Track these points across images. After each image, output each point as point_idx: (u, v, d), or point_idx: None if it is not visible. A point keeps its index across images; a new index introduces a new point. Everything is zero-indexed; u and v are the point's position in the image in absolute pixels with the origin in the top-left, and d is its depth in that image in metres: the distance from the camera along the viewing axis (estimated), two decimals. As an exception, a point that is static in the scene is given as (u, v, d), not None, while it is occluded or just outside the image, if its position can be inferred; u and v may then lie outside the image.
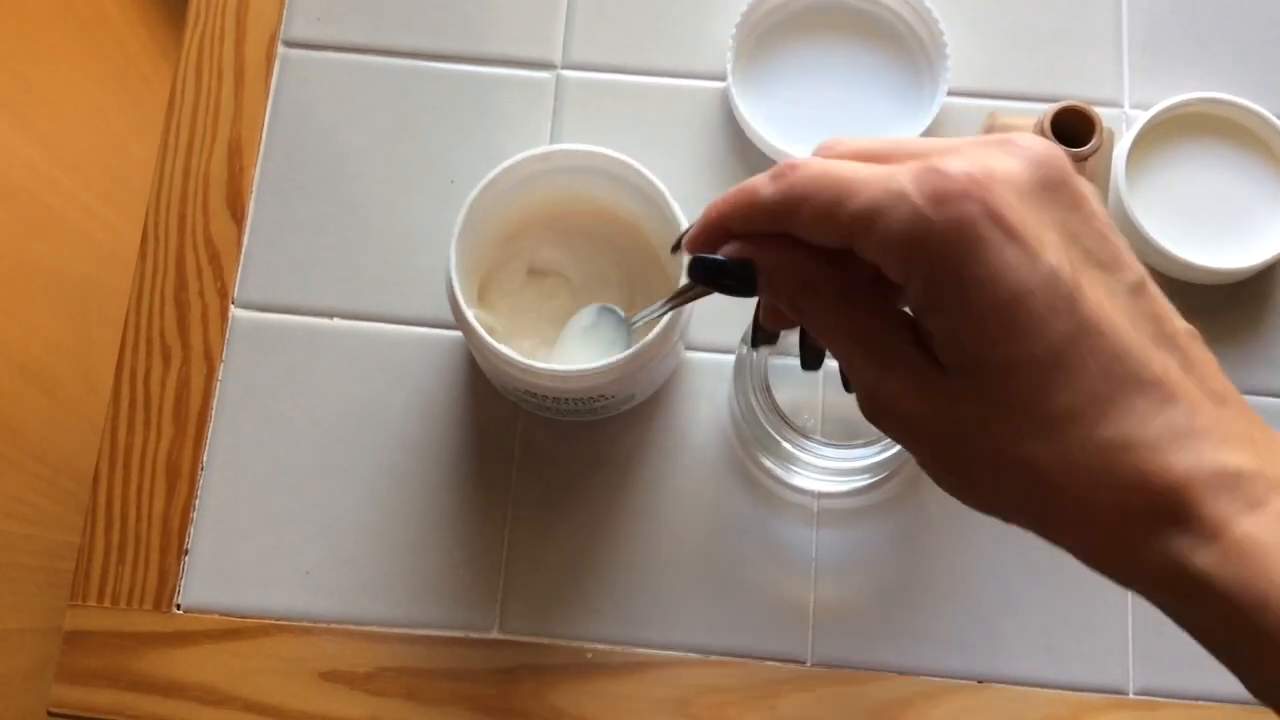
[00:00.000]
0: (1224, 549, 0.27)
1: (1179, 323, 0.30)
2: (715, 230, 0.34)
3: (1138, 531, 0.28)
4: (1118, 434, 0.28)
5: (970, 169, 0.28)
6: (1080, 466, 0.28)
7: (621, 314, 0.53)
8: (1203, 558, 0.27)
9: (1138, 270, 0.30)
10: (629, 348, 0.50)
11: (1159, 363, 0.28)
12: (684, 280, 0.38)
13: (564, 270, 0.57)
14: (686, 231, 0.35)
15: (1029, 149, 0.30)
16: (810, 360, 0.39)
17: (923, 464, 0.32)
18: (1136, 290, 0.29)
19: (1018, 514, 0.30)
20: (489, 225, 0.54)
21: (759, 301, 0.37)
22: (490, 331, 0.51)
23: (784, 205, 0.31)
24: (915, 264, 0.29)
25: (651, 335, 0.50)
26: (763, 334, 0.41)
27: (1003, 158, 0.29)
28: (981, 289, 0.28)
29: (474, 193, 0.51)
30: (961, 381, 0.30)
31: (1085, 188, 0.30)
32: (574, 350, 0.54)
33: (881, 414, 0.32)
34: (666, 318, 0.49)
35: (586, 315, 0.54)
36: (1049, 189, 0.29)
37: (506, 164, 0.51)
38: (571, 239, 0.57)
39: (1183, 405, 0.28)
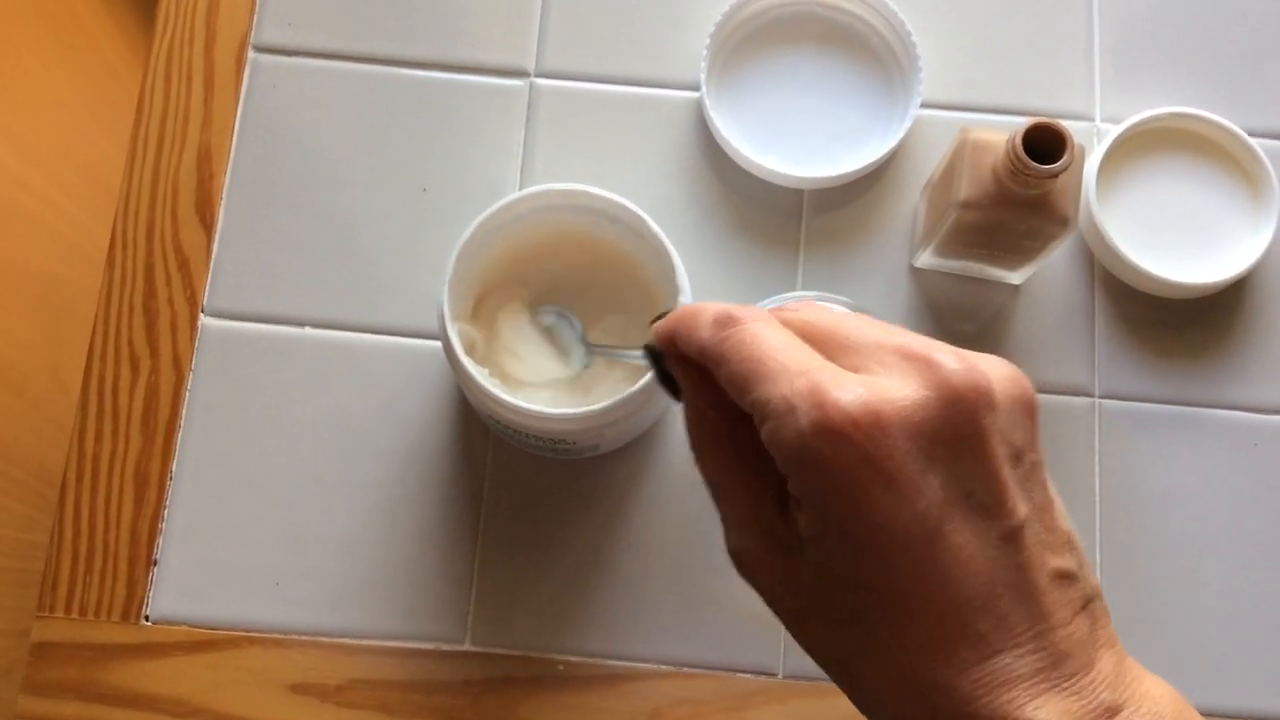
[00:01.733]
0: None
1: (1053, 564, 0.30)
2: (666, 342, 0.35)
3: None
4: (939, 677, 0.29)
5: (858, 408, 0.29)
6: (903, 695, 0.30)
7: (579, 326, 0.54)
8: None
9: (1019, 516, 0.30)
10: (577, 360, 0.50)
11: (997, 615, 0.29)
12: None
13: (560, 307, 0.57)
14: (666, 312, 0.37)
15: (945, 382, 0.29)
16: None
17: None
18: (1009, 537, 0.29)
19: (849, 697, 0.32)
20: (494, 247, 0.53)
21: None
22: (471, 348, 0.51)
23: (711, 355, 0.32)
24: (790, 469, 0.30)
25: (632, 390, 0.49)
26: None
27: (910, 389, 0.29)
28: (841, 519, 0.29)
29: (488, 211, 0.51)
30: (810, 573, 0.31)
31: (992, 424, 0.30)
32: (524, 350, 0.54)
33: (739, 566, 0.34)
34: (647, 378, 0.49)
35: (545, 315, 0.55)
36: (949, 426, 0.29)
37: (523, 193, 0.51)
38: (575, 277, 0.57)
39: (1007, 657, 0.28)
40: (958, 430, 0.29)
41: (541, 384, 0.54)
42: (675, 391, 0.37)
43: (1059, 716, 0.28)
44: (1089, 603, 0.30)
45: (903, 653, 0.29)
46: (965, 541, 0.29)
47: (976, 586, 0.29)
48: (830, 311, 0.34)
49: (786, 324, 0.33)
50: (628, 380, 0.50)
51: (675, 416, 0.59)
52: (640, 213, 0.51)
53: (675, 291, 0.50)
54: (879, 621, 0.30)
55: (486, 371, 0.51)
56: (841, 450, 0.29)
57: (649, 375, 0.49)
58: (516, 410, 0.49)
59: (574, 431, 0.51)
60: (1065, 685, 0.28)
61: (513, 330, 0.55)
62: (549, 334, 0.55)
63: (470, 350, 0.52)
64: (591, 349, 0.54)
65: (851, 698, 0.32)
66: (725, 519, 0.34)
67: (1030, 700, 0.28)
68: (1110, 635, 0.30)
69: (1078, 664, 0.29)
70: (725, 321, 0.33)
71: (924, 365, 0.30)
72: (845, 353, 0.32)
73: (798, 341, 0.32)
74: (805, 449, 0.29)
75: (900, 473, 0.29)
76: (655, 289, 0.54)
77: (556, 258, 0.56)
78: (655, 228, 0.51)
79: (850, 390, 0.29)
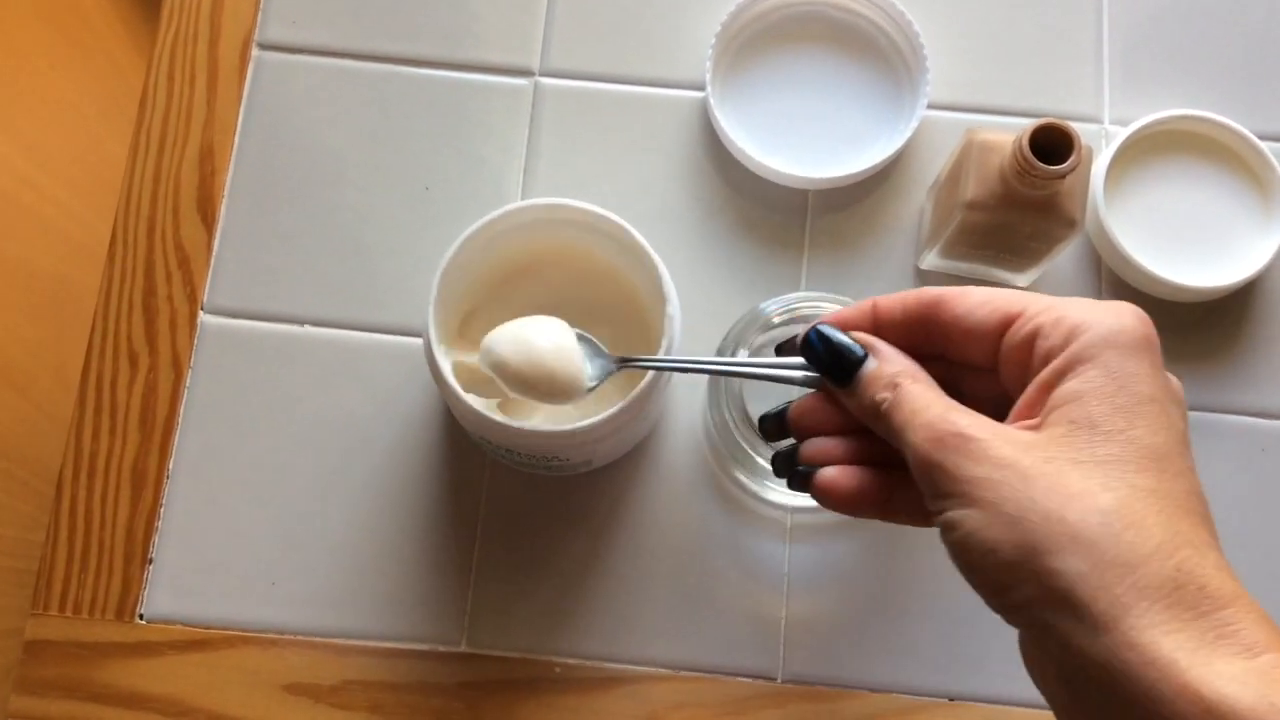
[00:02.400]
0: None
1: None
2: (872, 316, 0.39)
3: None
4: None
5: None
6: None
7: (603, 350, 0.50)
8: None
9: None
10: (594, 378, 0.48)
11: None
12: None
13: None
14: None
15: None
16: (795, 480, 0.41)
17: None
18: None
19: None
20: (479, 266, 0.53)
21: (788, 403, 0.42)
22: (459, 370, 0.50)
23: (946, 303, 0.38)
24: (1082, 333, 0.34)
25: (618, 407, 0.48)
26: (776, 427, 0.43)
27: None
28: (1130, 384, 0.33)
29: (468, 231, 0.50)
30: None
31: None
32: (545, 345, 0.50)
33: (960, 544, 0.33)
34: (639, 389, 0.48)
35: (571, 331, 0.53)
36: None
37: (507, 209, 0.51)
38: (563, 291, 0.56)
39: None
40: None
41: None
42: (848, 375, 0.38)
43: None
44: None
45: (1156, 503, 0.31)
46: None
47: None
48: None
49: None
50: (618, 394, 0.50)
51: (669, 429, 0.58)
52: (623, 223, 0.50)
53: (662, 301, 0.50)
54: (1138, 467, 0.32)
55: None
56: (1141, 323, 0.34)
57: (639, 388, 0.48)
58: (504, 430, 0.48)
59: (565, 448, 0.50)
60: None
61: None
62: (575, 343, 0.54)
63: (459, 374, 0.50)
64: (622, 363, 0.49)
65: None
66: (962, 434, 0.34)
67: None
68: None
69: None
70: (897, 378, 0.37)
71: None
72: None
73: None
74: (1109, 315, 0.34)
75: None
76: (642, 300, 0.54)
77: (542, 273, 0.55)
78: (638, 237, 0.50)
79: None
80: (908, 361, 0.38)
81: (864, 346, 0.38)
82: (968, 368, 0.38)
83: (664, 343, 0.49)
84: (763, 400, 0.53)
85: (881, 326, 0.39)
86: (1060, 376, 0.33)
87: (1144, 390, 0.32)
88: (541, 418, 0.54)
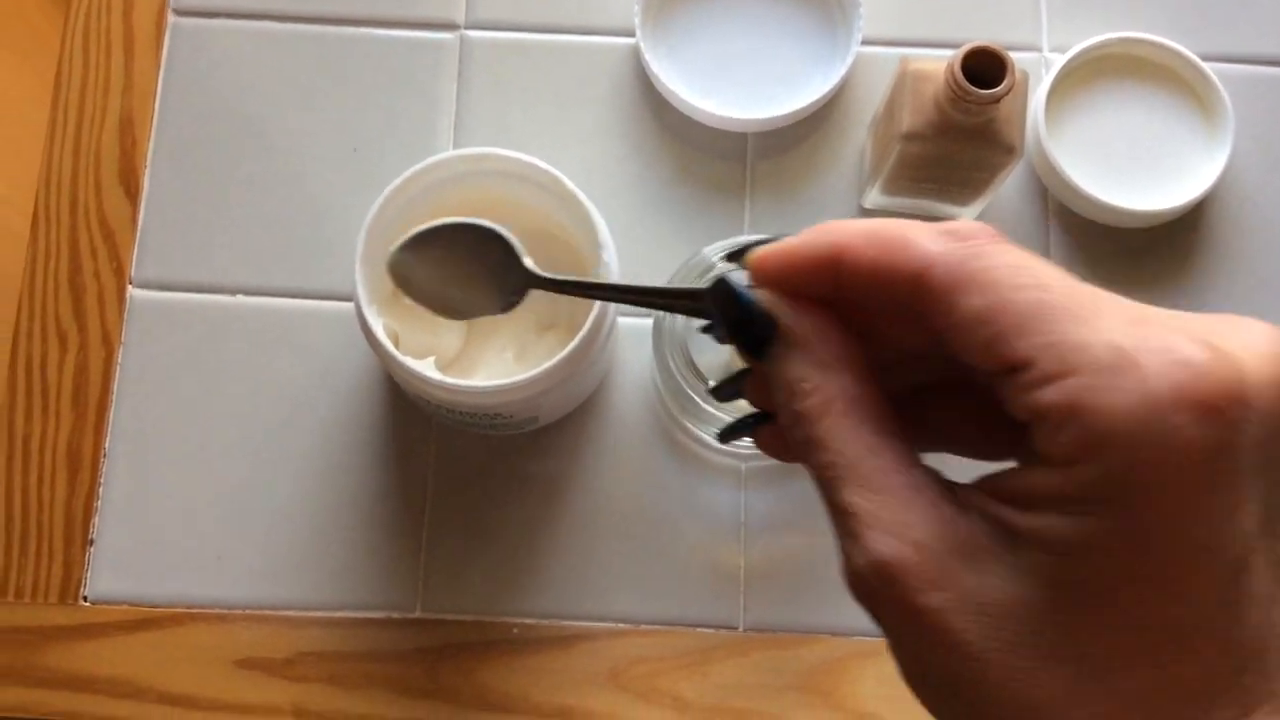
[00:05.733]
0: None
1: None
2: (795, 267, 0.25)
3: None
4: None
5: (1237, 379, 0.21)
6: None
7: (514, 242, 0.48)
8: None
9: None
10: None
11: (1265, 668, 0.22)
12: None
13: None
14: (762, 241, 0.26)
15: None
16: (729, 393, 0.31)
17: (906, 672, 0.24)
18: None
19: None
20: (406, 222, 0.51)
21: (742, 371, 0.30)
22: (393, 336, 0.49)
23: (945, 279, 0.23)
24: (1103, 458, 0.21)
25: (559, 358, 0.47)
26: (730, 392, 0.31)
27: (1257, 368, 0.21)
28: (1156, 522, 0.21)
29: (393, 184, 0.48)
30: (1023, 591, 0.22)
31: None
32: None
33: (877, 585, 0.23)
34: (577, 341, 0.47)
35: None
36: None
37: (432, 160, 0.49)
38: None
39: (1259, 716, 0.22)
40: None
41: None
42: (756, 343, 0.26)
43: None
44: None
45: (1158, 705, 0.22)
46: (1261, 577, 0.22)
47: (1254, 629, 0.22)
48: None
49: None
50: (559, 346, 0.48)
51: (618, 382, 0.57)
52: (554, 171, 0.49)
53: (598, 248, 0.48)
54: (1139, 662, 0.22)
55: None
56: (1204, 431, 0.21)
57: (579, 337, 0.47)
58: (444, 386, 0.47)
59: (508, 404, 0.49)
60: None
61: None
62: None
63: (394, 340, 0.49)
64: (547, 282, 0.43)
65: None
66: (858, 516, 0.23)
67: None
68: None
69: None
70: (968, 232, 0.24)
71: (1239, 328, 0.22)
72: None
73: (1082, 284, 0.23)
74: (1152, 419, 0.21)
75: (1242, 477, 0.21)
76: (580, 251, 0.53)
77: None
78: (571, 186, 0.49)
79: (1216, 352, 0.21)
80: (840, 378, 0.25)
81: (783, 329, 0.26)
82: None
83: (595, 306, 0.48)
84: (707, 350, 0.52)
85: (843, 284, 0.26)
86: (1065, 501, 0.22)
87: (1166, 543, 0.22)
88: (482, 375, 0.52)
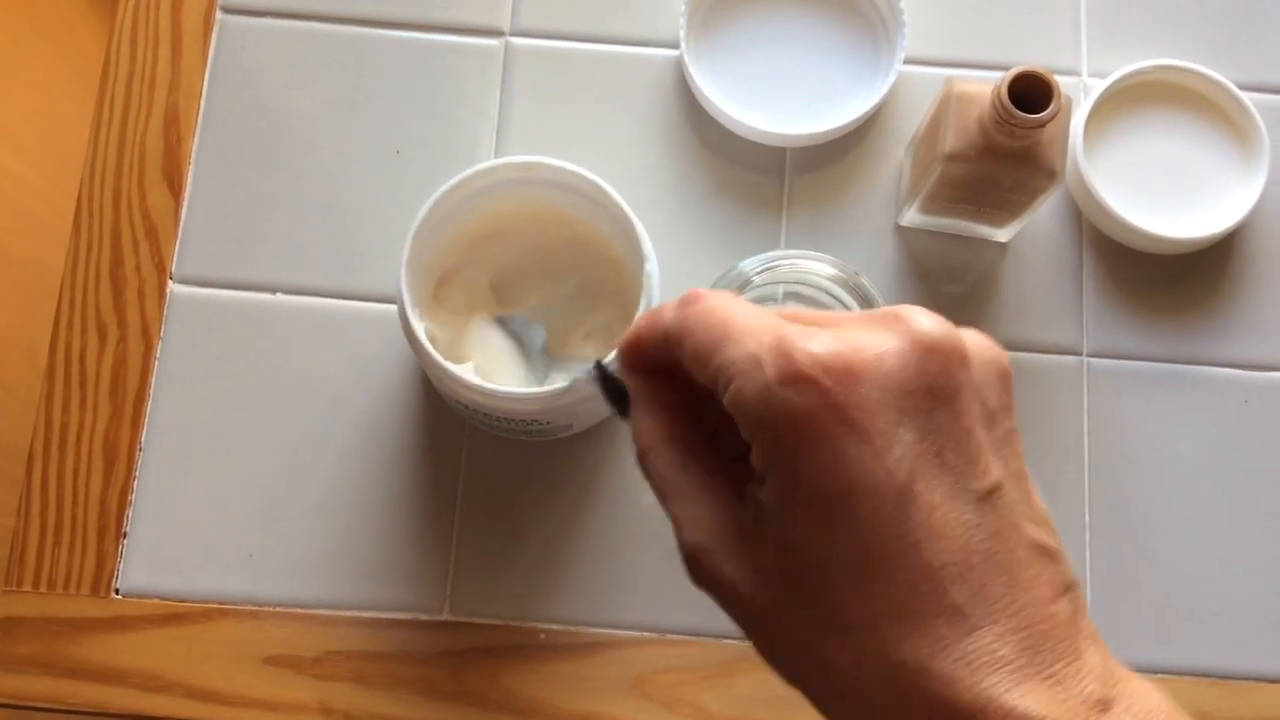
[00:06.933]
0: None
1: (1032, 535, 0.28)
2: (632, 347, 0.34)
3: None
4: (911, 656, 0.26)
5: (827, 354, 0.27)
6: (874, 679, 0.27)
7: (542, 337, 0.53)
8: None
9: (993, 477, 0.28)
10: (539, 371, 0.48)
11: (973, 585, 0.27)
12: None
13: (528, 284, 0.55)
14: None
15: (919, 334, 0.28)
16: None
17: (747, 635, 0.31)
18: (985, 499, 0.27)
19: (816, 706, 0.29)
20: (452, 227, 0.52)
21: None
22: (433, 339, 0.49)
23: (674, 332, 0.31)
24: (755, 433, 0.28)
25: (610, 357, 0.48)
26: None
27: (880, 339, 0.28)
28: (809, 478, 0.27)
29: (440, 191, 0.49)
30: (773, 554, 0.29)
31: (966, 380, 0.28)
32: (490, 363, 0.52)
33: (696, 569, 0.31)
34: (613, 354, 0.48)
35: (514, 322, 0.54)
36: (922, 377, 0.28)
37: (479, 168, 0.50)
38: (539, 252, 0.55)
39: (987, 636, 0.26)
40: (931, 382, 0.28)
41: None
42: (623, 407, 0.35)
43: (1045, 706, 0.25)
44: (1070, 589, 0.28)
45: (872, 630, 0.27)
46: (939, 501, 0.27)
47: (951, 551, 0.27)
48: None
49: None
50: (595, 353, 0.49)
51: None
52: (599, 181, 0.50)
53: (640, 260, 0.49)
54: (846, 594, 0.27)
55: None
56: (810, 399, 0.27)
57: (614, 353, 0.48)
58: (483, 392, 0.47)
59: (544, 411, 0.49)
60: (1050, 672, 0.26)
61: (481, 344, 0.53)
62: (517, 340, 0.54)
63: (433, 344, 0.50)
64: (552, 360, 0.52)
65: (818, 702, 0.29)
66: (678, 519, 0.31)
67: (1014, 686, 0.26)
68: (1093, 629, 0.28)
69: (1063, 650, 0.27)
70: (690, 299, 0.31)
71: (895, 320, 0.29)
72: (812, 322, 0.30)
73: (764, 310, 0.31)
74: (771, 401, 0.27)
75: (872, 423, 0.27)
76: (621, 262, 0.53)
77: (518, 234, 0.54)
78: (615, 196, 0.49)
79: (819, 340, 0.28)
80: (661, 421, 0.33)
81: (630, 392, 0.34)
82: None
83: (643, 301, 0.48)
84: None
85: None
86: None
87: (812, 483, 0.28)
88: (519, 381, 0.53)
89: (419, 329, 0.48)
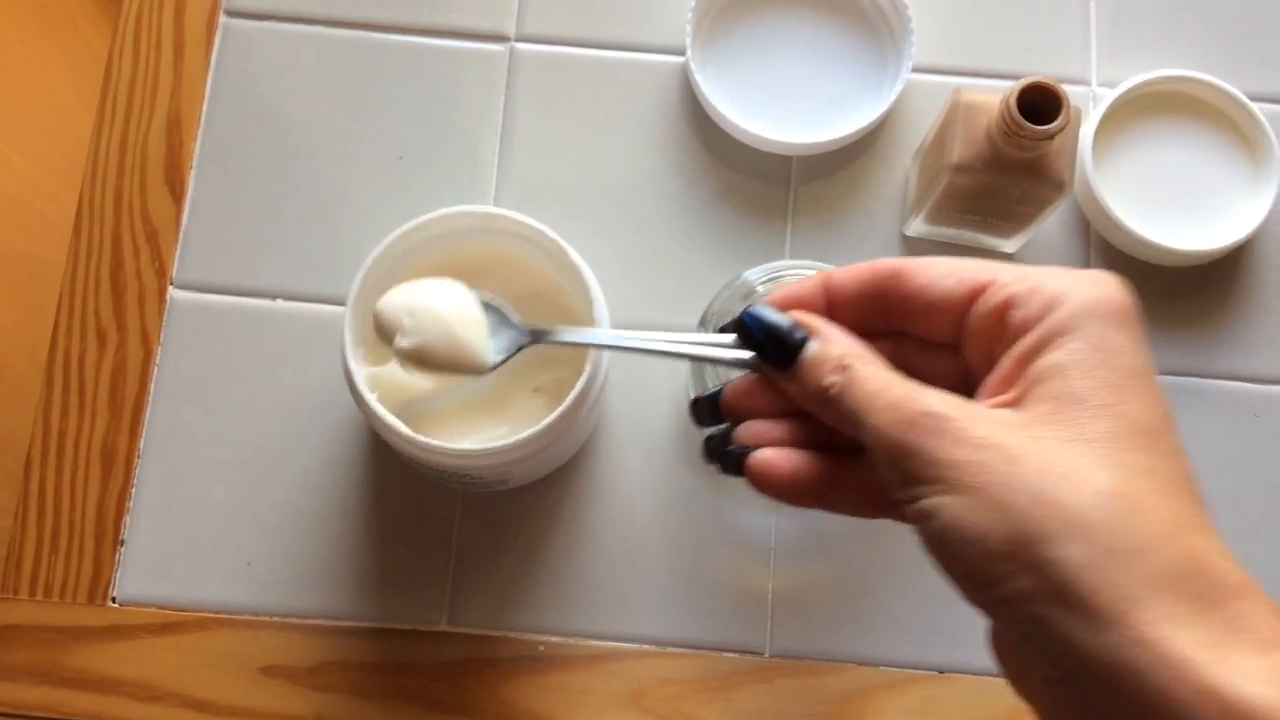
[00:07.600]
0: None
1: None
2: (805, 290, 0.35)
3: None
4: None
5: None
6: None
7: (512, 319, 0.47)
8: None
9: None
10: (506, 345, 0.44)
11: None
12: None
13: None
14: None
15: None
16: (728, 463, 0.36)
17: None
18: None
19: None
20: (405, 271, 0.49)
21: (723, 385, 0.37)
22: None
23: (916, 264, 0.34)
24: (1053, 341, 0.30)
25: (553, 416, 0.46)
26: (710, 412, 0.38)
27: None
28: (1107, 360, 0.30)
29: (396, 232, 0.48)
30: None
31: None
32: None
33: (938, 541, 0.29)
34: (570, 400, 0.46)
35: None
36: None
37: (438, 214, 0.48)
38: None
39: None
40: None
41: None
42: (786, 358, 0.34)
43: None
44: None
45: (1156, 476, 0.29)
46: None
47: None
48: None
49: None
50: (546, 410, 0.47)
51: (653, 401, 0.57)
52: (560, 241, 0.48)
53: (593, 324, 0.47)
54: (1136, 444, 0.29)
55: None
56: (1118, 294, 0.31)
57: (566, 403, 0.46)
58: (412, 442, 0.45)
59: (481, 467, 0.48)
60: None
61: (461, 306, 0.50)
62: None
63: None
64: (537, 335, 0.45)
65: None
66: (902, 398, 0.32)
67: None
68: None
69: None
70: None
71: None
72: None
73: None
74: (1083, 288, 0.31)
75: (1137, 334, 0.31)
76: (579, 318, 0.51)
77: (476, 281, 0.52)
78: (575, 257, 0.48)
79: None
80: (854, 342, 0.34)
81: (804, 328, 0.34)
82: (925, 346, 0.35)
83: (588, 367, 0.47)
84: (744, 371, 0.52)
85: (835, 304, 0.36)
86: (1039, 349, 0.30)
87: (1131, 363, 0.30)
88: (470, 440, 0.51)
89: (358, 374, 0.47)
